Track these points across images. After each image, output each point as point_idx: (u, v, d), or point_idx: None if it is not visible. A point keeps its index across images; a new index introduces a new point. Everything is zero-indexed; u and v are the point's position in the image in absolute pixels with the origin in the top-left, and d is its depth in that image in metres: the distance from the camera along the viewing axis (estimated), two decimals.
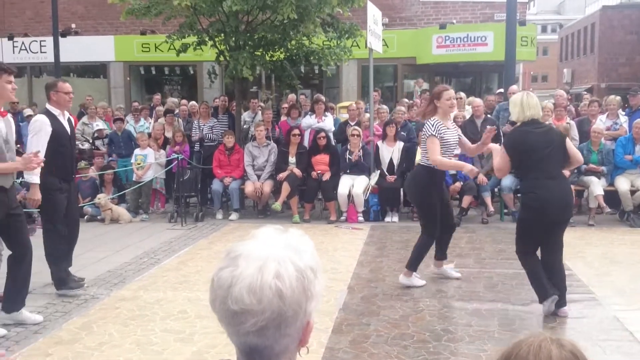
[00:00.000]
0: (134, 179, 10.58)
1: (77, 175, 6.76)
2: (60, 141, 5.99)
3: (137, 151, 10.63)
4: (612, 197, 9.55)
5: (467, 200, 9.60)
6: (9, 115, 5.43)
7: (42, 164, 5.33)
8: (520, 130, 5.55)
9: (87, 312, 5.64)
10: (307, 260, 1.20)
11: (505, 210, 9.78)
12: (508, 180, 9.48)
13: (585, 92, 23.00)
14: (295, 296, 1.15)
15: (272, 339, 1.17)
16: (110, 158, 11.28)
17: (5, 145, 5.17)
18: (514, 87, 11.10)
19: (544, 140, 5.43)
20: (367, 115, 10.91)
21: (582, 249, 7.88)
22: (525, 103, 5.48)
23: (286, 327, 1.16)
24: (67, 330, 5.21)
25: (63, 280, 6.19)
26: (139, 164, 10.51)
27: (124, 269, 7.11)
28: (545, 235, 5.45)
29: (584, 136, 10.09)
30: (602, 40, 34.89)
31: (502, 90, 12.09)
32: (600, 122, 10.26)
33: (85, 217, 9.87)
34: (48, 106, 6.13)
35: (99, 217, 10.08)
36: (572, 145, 5.63)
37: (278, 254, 1.17)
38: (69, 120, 6.28)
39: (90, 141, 11.45)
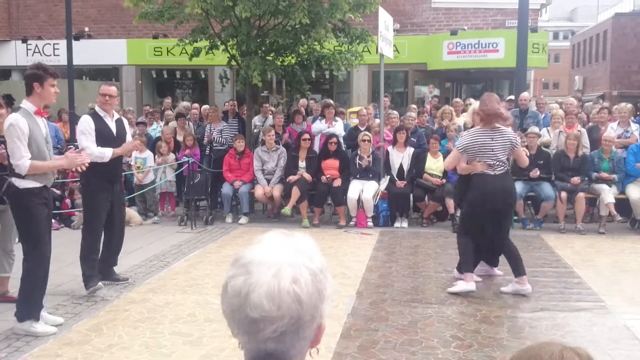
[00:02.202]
0: (135, 183, 10.62)
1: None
2: (103, 142, 6.15)
3: (136, 154, 10.61)
4: (623, 205, 9.50)
5: None
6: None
7: (87, 164, 5.49)
8: None
9: (97, 314, 5.67)
10: (318, 263, 1.22)
11: (515, 217, 9.73)
12: (518, 187, 9.44)
13: (595, 101, 22.88)
14: (312, 299, 1.17)
15: (290, 344, 1.18)
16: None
17: (46, 144, 5.27)
18: (525, 94, 11.10)
19: None
20: (378, 120, 10.92)
21: (593, 257, 7.85)
22: None
23: (304, 331, 1.18)
24: (77, 331, 5.24)
25: (90, 278, 6.23)
26: (138, 167, 10.54)
27: (134, 272, 7.14)
28: None
29: (594, 144, 10.06)
30: (614, 48, 34.76)
31: (512, 97, 12.07)
32: (612, 130, 10.22)
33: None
34: (96, 107, 6.40)
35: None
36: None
37: (291, 259, 1.18)
38: (118, 121, 6.44)
39: None
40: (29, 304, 5.15)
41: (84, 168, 5.45)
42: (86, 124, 6.15)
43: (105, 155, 6.13)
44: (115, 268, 6.75)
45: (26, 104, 5.17)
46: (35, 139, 5.08)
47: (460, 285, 6.25)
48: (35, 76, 5.14)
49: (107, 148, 6.16)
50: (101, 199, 6.26)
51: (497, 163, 6.23)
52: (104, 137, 6.20)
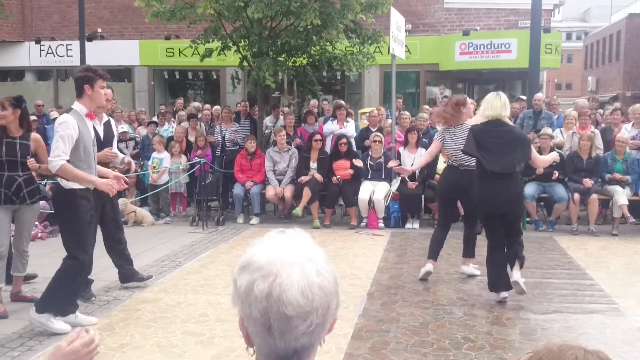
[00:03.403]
0: (149, 182, 10.67)
1: None
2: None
3: (154, 154, 10.72)
4: (636, 206, 9.43)
5: None
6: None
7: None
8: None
9: (109, 314, 5.70)
10: (323, 252, 1.26)
11: (528, 219, 9.69)
12: (530, 189, 9.42)
13: (610, 102, 22.73)
14: (334, 287, 1.23)
15: (316, 336, 1.22)
16: (134, 161, 11.40)
17: (92, 147, 5.31)
18: (539, 95, 11.04)
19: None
20: (389, 121, 10.90)
21: (606, 259, 7.79)
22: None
23: (329, 321, 1.24)
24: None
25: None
26: (154, 167, 10.60)
27: (146, 271, 7.15)
28: None
29: (608, 145, 9.99)
30: (628, 48, 34.51)
31: (523, 96, 12.01)
32: (626, 131, 10.14)
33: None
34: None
35: (122, 220, 10.16)
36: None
37: (306, 254, 1.22)
38: (106, 124, 6.28)
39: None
40: (53, 298, 5.18)
41: (114, 192, 5.37)
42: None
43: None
44: None
45: (77, 106, 5.20)
46: (84, 141, 5.12)
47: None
48: (86, 78, 5.17)
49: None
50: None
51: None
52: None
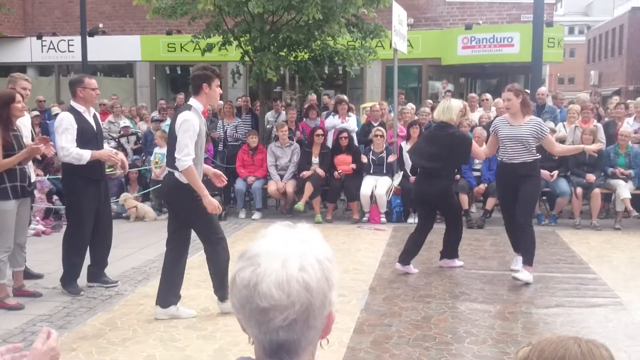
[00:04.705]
0: (152, 177, 10.65)
1: (106, 174, 6.77)
2: (85, 139, 5.98)
3: (156, 149, 10.68)
4: (639, 200, 9.40)
5: (491, 202, 9.52)
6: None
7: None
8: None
9: (112, 308, 5.70)
10: (324, 251, 1.24)
11: None
12: None
13: (610, 96, 22.65)
14: (321, 286, 1.19)
15: (300, 333, 1.19)
16: (136, 156, 11.40)
17: (204, 144, 5.42)
18: (542, 89, 11.01)
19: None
20: (391, 115, 10.88)
21: (608, 253, 7.78)
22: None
23: (314, 319, 1.20)
24: (92, 325, 5.27)
25: (68, 281, 6.16)
26: (157, 162, 10.57)
27: (148, 266, 7.17)
28: None
29: (611, 139, 9.96)
30: (630, 42, 34.43)
31: (526, 90, 11.95)
32: (628, 125, 10.11)
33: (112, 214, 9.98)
34: (72, 103, 6.12)
35: (124, 215, 10.18)
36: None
37: (297, 248, 1.20)
38: (94, 116, 6.29)
39: (117, 139, 11.55)
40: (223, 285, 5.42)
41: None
42: (68, 122, 5.89)
43: (83, 157, 5.87)
44: (128, 263, 6.76)
45: (195, 103, 5.26)
46: (201, 138, 5.23)
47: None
48: (205, 77, 5.25)
49: (85, 150, 5.89)
50: (87, 202, 6.07)
51: None
52: (86, 133, 5.98)
